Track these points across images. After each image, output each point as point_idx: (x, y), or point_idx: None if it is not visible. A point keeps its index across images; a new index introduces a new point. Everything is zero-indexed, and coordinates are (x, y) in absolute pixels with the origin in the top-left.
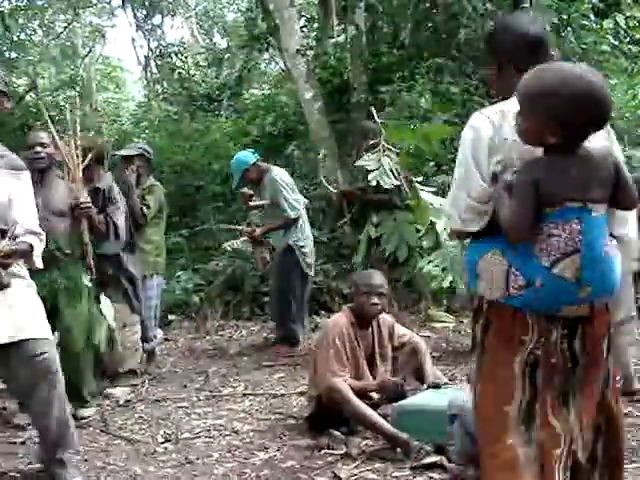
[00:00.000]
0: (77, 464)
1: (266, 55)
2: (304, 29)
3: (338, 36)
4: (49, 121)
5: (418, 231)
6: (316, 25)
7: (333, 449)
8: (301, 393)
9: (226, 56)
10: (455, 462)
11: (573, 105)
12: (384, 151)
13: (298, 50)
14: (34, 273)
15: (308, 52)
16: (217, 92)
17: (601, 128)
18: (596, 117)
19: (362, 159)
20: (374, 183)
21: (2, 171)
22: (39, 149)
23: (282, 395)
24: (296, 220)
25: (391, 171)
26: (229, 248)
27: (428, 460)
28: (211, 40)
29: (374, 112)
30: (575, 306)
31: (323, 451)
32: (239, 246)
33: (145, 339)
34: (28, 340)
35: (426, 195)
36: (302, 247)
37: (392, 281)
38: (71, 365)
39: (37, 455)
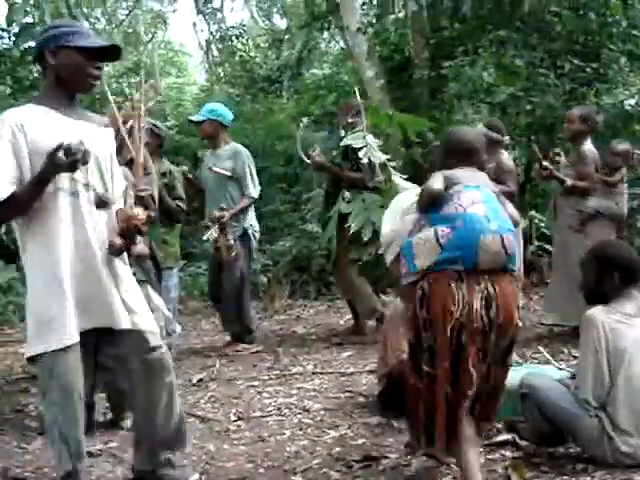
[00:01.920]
0: (186, 463)
1: (326, 34)
2: (364, 6)
3: (398, 12)
4: (114, 107)
5: None
6: (376, 2)
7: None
8: (370, 371)
9: (286, 37)
10: (527, 439)
11: None
12: (368, 129)
13: (359, 28)
14: None
15: (369, 29)
16: (278, 73)
17: None
18: None
19: (348, 137)
20: (366, 160)
21: (97, 128)
22: None
23: (351, 373)
24: (255, 201)
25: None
26: (210, 239)
27: (500, 438)
28: (270, 21)
29: (357, 93)
30: (490, 236)
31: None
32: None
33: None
34: (146, 331)
35: (398, 179)
36: (255, 232)
37: (354, 260)
38: None
39: (139, 459)
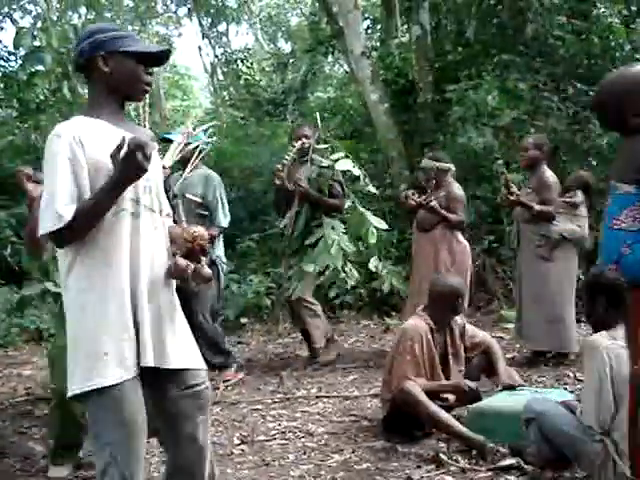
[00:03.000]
0: None
1: (330, 58)
2: (368, 31)
3: (402, 36)
4: None
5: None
6: (380, 26)
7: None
8: (374, 395)
9: (291, 60)
10: (532, 464)
11: None
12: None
13: (363, 52)
14: None
15: (373, 53)
16: (282, 96)
17: None
18: None
19: (338, 163)
20: (338, 188)
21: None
22: None
23: (356, 397)
24: (224, 231)
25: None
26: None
27: (505, 462)
28: (275, 45)
29: (318, 117)
30: None
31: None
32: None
33: None
34: (192, 369)
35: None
36: (223, 263)
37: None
38: None
39: None
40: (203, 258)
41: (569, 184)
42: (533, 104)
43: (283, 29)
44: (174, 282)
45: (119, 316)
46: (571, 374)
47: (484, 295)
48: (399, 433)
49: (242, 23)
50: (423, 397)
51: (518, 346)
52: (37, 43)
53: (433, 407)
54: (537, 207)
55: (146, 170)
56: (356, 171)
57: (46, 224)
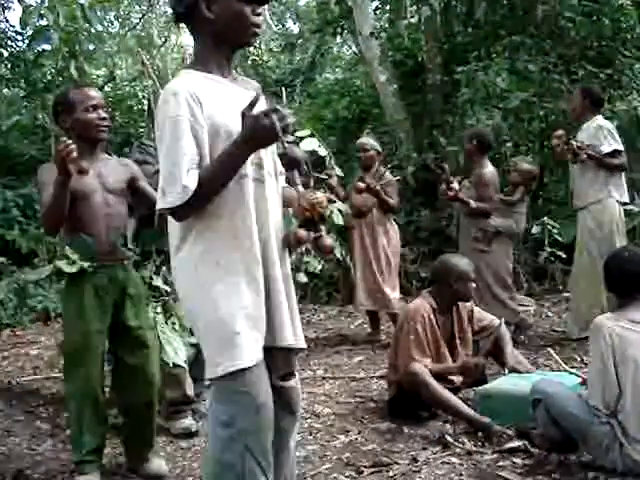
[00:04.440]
0: None
1: (339, 39)
2: (377, 11)
3: (411, 17)
4: None
5: None
6: (389, 7)
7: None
8: (381, 377)
9: (299, 41)
10: (539, 446)
11: None
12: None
13: (372, 33)
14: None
15: (381, 34)
16: (290, 77)
17: None
18: None
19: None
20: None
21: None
22: (102, 113)
23: (362, 379)
24: None
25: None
26: None
27: (511, 444)
28: (284, 26)
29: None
30: None
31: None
32: None
33: None
34: (296, 351)
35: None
36: None
37: None
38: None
39: None
40: (322, 227)
41: (514, 180)
42: (543, 86)
43: (291, 9)
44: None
45: (250, 291)
46: (578, 357)
47: None
48: (405, 415)
49: None
50: (429, 379)
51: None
52: (44, 22)
53: (439, 389)
54: (473, 204)
55: (278, 135)
56: (322, 151)
57: (169, 198)
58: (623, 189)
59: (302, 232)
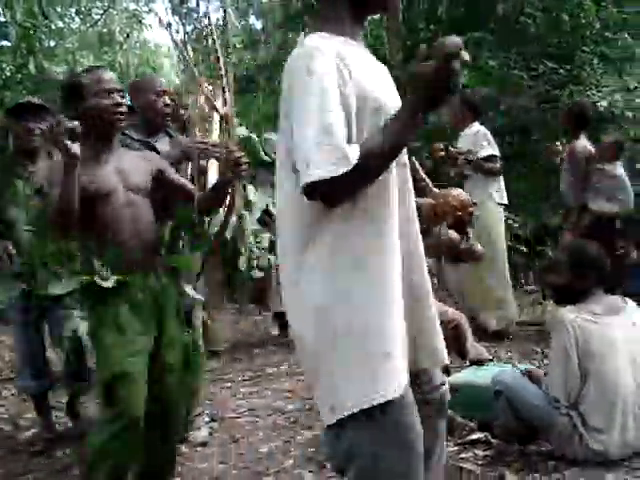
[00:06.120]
0: None
1: (302, 35)
2: None
3: None
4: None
5: None
6: None
7: None
8: None
9: (262, 37)
10: (499, 437)
11: None
12: None
13: None
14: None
15: None
16: (253, 74)
17: None
18: None
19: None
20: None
21: None
22: (118, 98)
23: None
24: None
25: None
26: None
27: (473, 436)
28: (247, 22)
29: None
30: None
31: None
32: None
33: None
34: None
35: None
36: None
37: None
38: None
39: None
40: (470, 230)
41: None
42: (503, 82)
43: (254, 5)
44: None
45: (398, 302)
46: (539, 349)
47: None
48: None
49: None
50: None
51: None
52: (1, 18)
53: None
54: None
55: (457, 88)
56: (254, 137)
57: (322, 166)
58: (503, 192)
59: (456, 235)
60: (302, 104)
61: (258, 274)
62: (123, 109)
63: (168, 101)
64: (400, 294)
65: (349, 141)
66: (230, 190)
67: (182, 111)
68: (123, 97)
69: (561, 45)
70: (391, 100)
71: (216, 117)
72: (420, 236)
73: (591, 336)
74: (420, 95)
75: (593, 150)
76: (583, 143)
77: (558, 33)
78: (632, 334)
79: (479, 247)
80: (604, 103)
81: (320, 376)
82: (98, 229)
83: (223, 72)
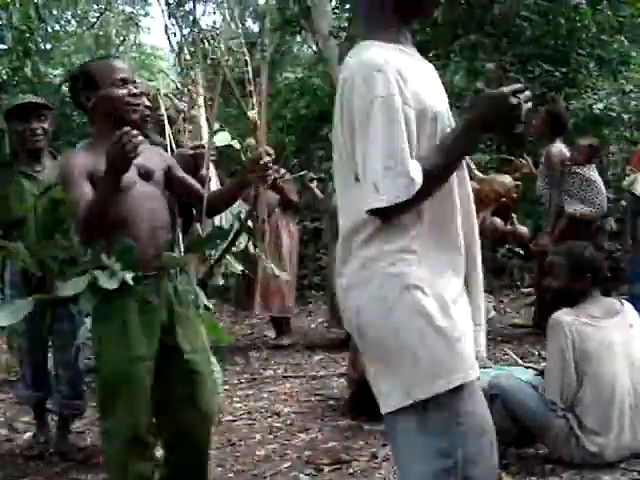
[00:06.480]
0: None
1: (298, 38)
2: (336, 10)
3: None
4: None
5: None
6: (348, 5)
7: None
8: (341, 374)
9: (258, 40)
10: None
11: None
12: None
13: (330, 32)
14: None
15: (340, 33)
16: (250, 76)
17: None
18: None
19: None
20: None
21: None
22: (133, 88)
23: (322, 377)
24: None
25: None
26: None
27: None
28: (243, 25)
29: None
30: None
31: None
32: None
33: None
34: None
35: None
36: None
37: None
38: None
39: None
40: (514, 215)
41: None
42: (500, 84)
43: (251, 8)
44: None
45: (462, 290)
46: (535, 352)
47: None
48: (365, 412)
49: (209, 2)
50: None
51: None
52: None
53: None
54: None
55: (522, 120)
56: (237, 145)
57: (391, 193)
58: None
59: (499, 220)
60: (368, 125)
61: (219, 281)
62: (139, 100)
63: (147, 102)
64: (463, 280)
65: (410, 154)
66: (255, 193)
67: (161, 112)
68: (138, 88)
69: (557, 48)
70: (443, 104)
71: (204, 122)
72: (477, 229)
73: (588, 338)
74: (484, 117)
75: (568, 154)
76: (559, 147)
77: (554, 36)
78: (629, 336)
79: (524, 229)
80: (600, 106)
81: (391, 362)
82: (115, 224)
83: (250, 77)
